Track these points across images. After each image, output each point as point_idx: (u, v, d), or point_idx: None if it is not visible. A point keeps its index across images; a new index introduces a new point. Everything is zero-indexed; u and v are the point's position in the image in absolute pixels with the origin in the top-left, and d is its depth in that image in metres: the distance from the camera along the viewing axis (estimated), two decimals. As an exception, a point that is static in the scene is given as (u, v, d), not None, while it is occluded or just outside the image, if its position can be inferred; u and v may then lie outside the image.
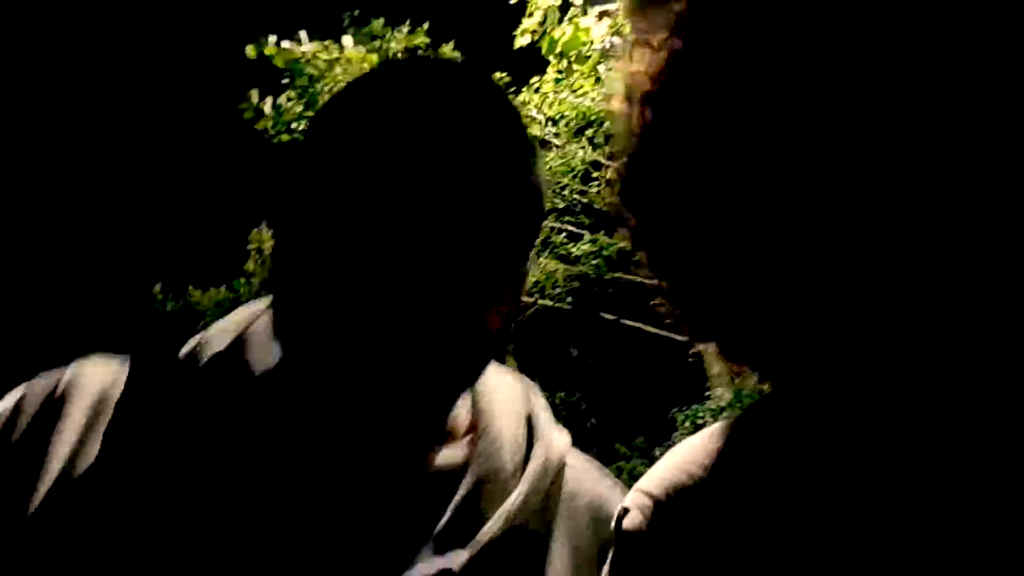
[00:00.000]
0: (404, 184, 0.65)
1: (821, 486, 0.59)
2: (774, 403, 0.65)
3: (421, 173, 0.65)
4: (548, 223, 5.73)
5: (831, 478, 0.59)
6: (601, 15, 3.42)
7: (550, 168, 5.08)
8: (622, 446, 6.19)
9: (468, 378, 0.73)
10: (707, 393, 5.62)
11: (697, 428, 4.96)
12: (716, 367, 5.77)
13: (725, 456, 0.66)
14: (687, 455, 0.68)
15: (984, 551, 0.53)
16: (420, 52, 4.88)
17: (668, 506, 0.65)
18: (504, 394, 0.78)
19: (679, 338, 5.81)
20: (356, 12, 5.30)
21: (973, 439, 0.55)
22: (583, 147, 4.78)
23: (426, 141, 0.66)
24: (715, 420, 4.73)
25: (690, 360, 5.79)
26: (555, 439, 0.77)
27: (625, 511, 0.67)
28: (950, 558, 0.54)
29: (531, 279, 5.74)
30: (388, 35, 4.88)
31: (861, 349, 0.55)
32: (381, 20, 4.96)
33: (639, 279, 4.76)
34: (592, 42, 3.64)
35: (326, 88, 4.38)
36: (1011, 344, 0.53)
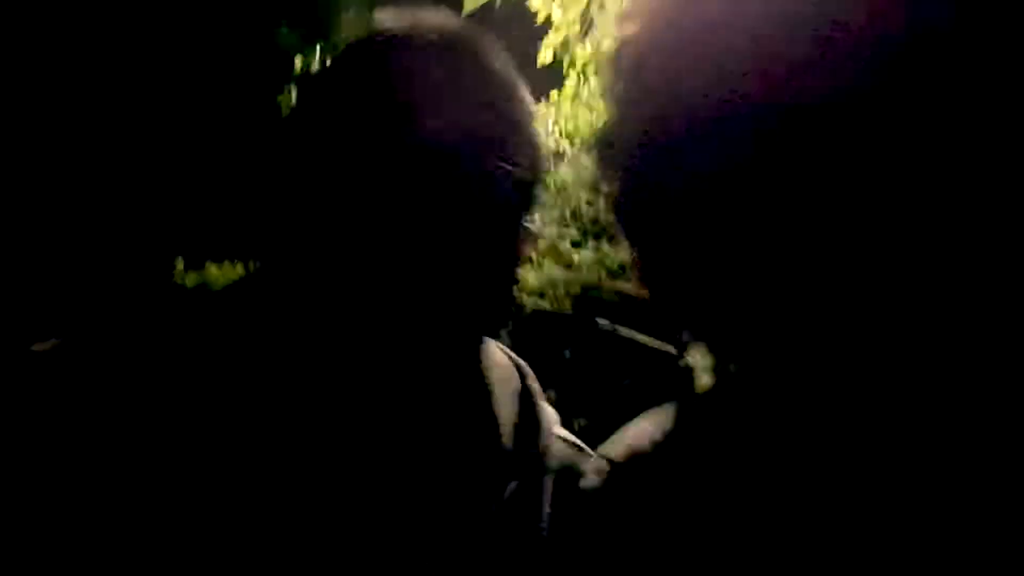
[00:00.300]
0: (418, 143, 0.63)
1: (775, 456, 0.60)
2: (741, 381, 0.66)
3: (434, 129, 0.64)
4: (554, 230, 5.94)
5: (785, 451, 0.60)
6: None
7: (560, 178, 5.30)
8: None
9: (491, 323, 0.73)
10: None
11: None
12: (705, 377, 5.93)
13: (685, 425, 0.67)
14: (650, 423, 0.70)
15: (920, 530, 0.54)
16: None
17: (625, 468, 0.67)
18: (501, 371, 0.77)
19: (670, 349, 6.00)
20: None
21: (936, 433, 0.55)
22: (592, 159, 4.98)
23: (432, 100, 0.65)
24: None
25: (680, 369, 6.01)
26: (546, 409, 0.76)
27: (584, 475, 0.69)
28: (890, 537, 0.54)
29: (533, 283, 5.94)
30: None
31: (841, 346, 0.54)
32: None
33: (635, 291, 4.96)
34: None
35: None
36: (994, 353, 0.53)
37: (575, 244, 5.83)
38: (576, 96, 4.36)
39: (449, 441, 0.68)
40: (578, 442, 0.78)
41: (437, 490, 0.67)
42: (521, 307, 7.25)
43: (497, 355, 0.77)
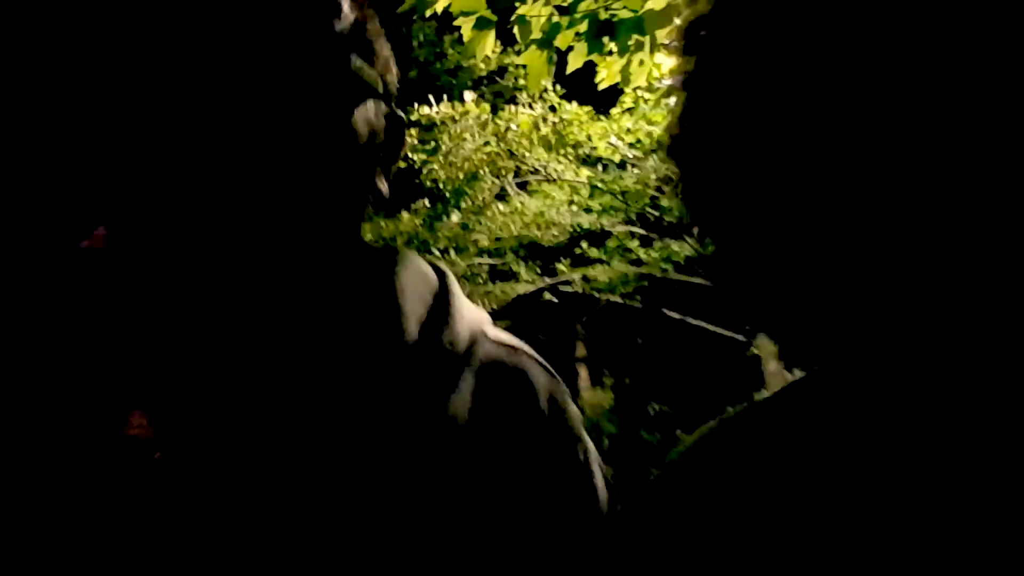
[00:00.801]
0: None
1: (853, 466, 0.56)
2: (815, 384, 0.63)
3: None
4: (624, 229, 6.21)
5: (860, 460, 0.56)
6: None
7: (627, 185, 5.59)
8: (683, 434, 6.62)
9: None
10: (763, 390, 6.04)
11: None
12: (772, 364, 6.21)
13: (750, 434, 0.64)
14: (717, 432, 0.67)
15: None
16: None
17: (682, 478, 0.65)
18: (413, 275, 0.76)
19: (739, 337, 6.25)
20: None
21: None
22: (655, 166, 5.29)
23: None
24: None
25: (748, 357, 6.24)
26: (470, 308, 0.75)
27: (517, 370, 0.70)
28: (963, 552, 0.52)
29: (604, 279, 6.22)
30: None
31: (911, 348, 0.53)
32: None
33: (702, 282, 5.19)
34: (662, 76, 4.13)
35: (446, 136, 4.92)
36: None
37: (643, 242, 6.12)
38: (635, 109, 4.64)
39: (345, 331, 0.68)
40: (513, 342, 0.75)
41: (332, 376, 0.66)
42: (595, 300, 7.55)
43: (415, 263, 0.76)
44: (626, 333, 7.52)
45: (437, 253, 5.73)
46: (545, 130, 5.15)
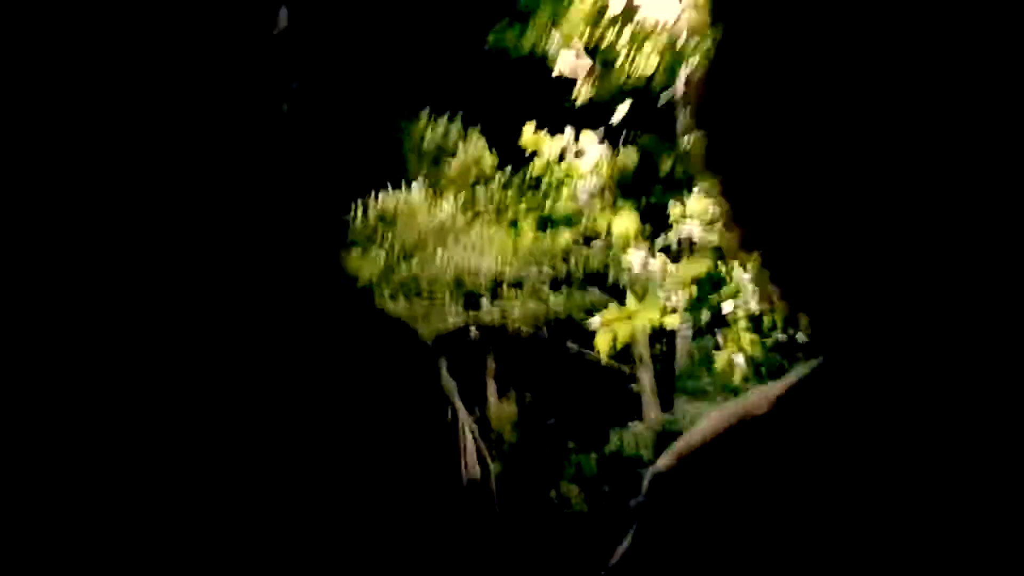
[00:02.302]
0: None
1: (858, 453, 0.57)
2: (823, 374, 0.62)
3: None
4: (538, 279, 7.38)
5: (867, 449, 0.57)
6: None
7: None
8: (572, 442, 7.81)
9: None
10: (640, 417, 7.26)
11: (624, 444, 6.54)
12: (647, 396, 7.40)
13: (738, 428, 0.64)
14: (702, 428, 0.67)
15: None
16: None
17: (672, 476, 0.65)
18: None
19: (625, 369, 7.42)
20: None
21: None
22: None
23: None
24: (641, 438, 6.29)
25: (629, 388, 7.44)
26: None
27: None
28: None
29: (517, 315, 7.38)
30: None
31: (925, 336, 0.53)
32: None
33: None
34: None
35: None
36: None
37: (554, 287, 7.31)
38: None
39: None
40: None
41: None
42: (509, 332, 8.71)
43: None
44: (532, 360, 8.58)
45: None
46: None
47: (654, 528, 0.65)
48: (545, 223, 4.38)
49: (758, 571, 0.59)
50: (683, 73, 4.53)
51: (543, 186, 4.93)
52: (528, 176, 5.14)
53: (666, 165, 3.79)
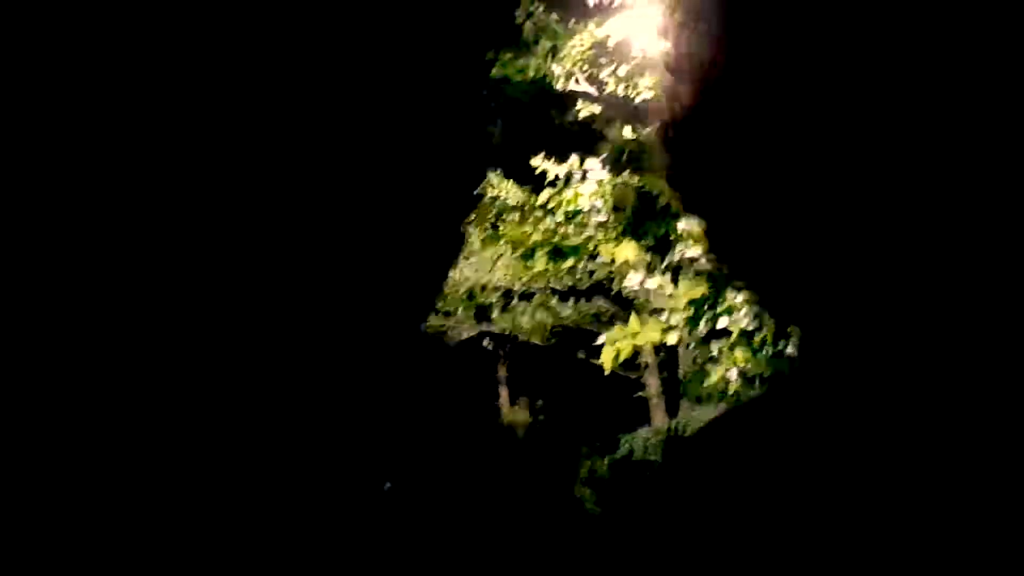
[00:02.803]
0: None
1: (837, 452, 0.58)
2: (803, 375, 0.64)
3: None
4: (543, 286, 7.71)
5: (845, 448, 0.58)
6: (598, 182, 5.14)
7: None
8: (585, 447, 8.12)
9: None
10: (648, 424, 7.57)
11: (634, 449, 6.82)
12: (655, 400, 7.74)
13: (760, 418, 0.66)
14: (729, 417, 0.70)
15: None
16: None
17: (691, 446, 0.69)
18: None
19: (631, 376, 7.75)
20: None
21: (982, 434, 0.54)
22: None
23: None
24: (649, 443, 6.57)
25: (636, 396, 7.76)
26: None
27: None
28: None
29: (527, 325, 7.72)
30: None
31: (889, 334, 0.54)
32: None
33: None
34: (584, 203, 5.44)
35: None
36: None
37: (563, 298, 7.65)
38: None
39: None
40: None
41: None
42: (519, 340, 9.05)
43: None
44: (543, 368, 8.86)
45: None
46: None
47: (668, 486, 0.68)
48: (556, 254, 4.72)
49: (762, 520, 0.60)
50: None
51: (554, 215, 5.20)
52: (536, 203, 5.44)
53: (663, 200, 4.14)
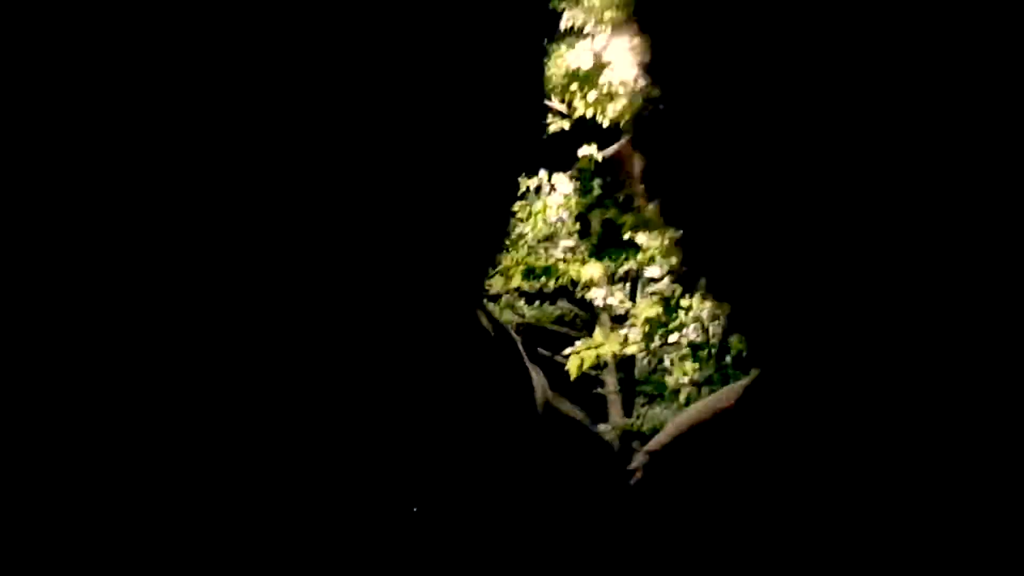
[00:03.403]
0: None
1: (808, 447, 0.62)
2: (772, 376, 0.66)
3: None
4: (513, 294, 8.07)
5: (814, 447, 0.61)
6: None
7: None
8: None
9: None
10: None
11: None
12: (613, 396, 8.10)
13: (726, 414, 0.69)
14: (693, 412, 0.73)
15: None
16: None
17: (664, 455, 0.70)
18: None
19: (592, 373, 8.13)
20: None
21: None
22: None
23: None
24: (607, 438, 6.95)
25: (595, 392, 8.11)
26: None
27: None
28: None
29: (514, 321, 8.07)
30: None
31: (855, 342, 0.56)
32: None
33: (571, 332, 7.12)
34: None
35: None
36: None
37: (529, 300, 8.04)
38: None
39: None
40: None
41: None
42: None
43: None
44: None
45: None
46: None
47: (648, 493, 0.69)
48: (529, 273, 5.27)
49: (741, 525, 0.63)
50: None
51: (526, 233, 5.72)
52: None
53: (624, 230, 4.66)
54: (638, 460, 0.74)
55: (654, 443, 0.74)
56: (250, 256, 0.57)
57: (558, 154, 6.35)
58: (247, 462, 0.58)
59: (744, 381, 0.72)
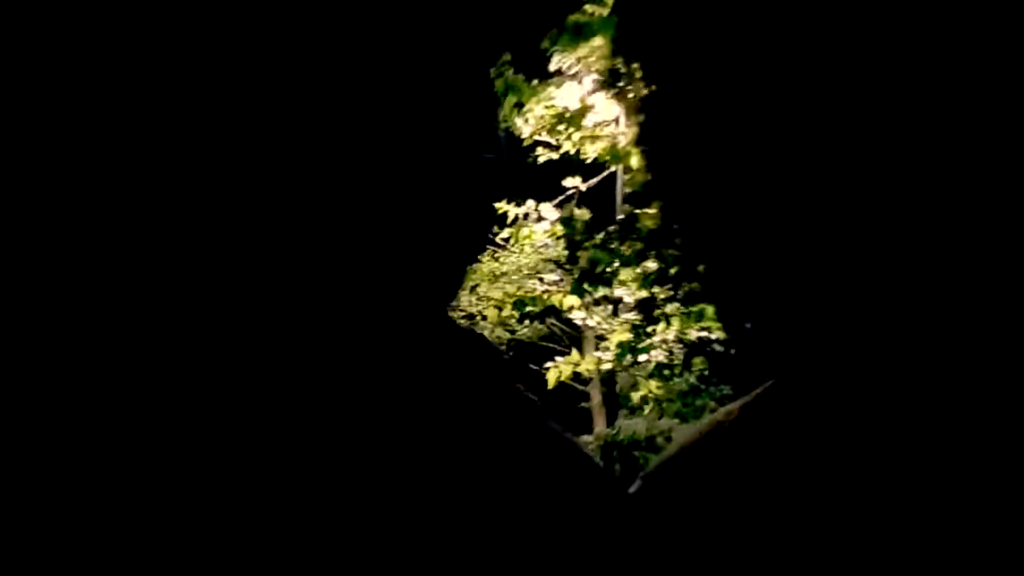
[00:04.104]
0: None
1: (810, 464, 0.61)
2: (776, 393, 0.65)
3: None
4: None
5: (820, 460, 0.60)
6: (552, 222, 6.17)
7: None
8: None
9: None
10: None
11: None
12: (597, 409, 8.51)
13: (718, 434, 0.68)
14: (688, 433, 0.73)
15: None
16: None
17: (658, 477, 0.69)
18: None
19: (579, 387, 8.59)
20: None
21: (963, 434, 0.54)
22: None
23: None
24: (590, 447, 7.36)
25: (581, 406, 8.54)
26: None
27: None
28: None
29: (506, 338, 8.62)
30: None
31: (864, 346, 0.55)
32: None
33: (557, 347, 7.60)
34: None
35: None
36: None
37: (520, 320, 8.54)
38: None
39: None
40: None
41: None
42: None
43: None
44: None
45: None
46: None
47: (648, 509, 0.69)
48: (519, 304, 5.98)
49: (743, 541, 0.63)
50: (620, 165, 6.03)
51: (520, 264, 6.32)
52: (498, 238, 6.58)
53: (600, 268, 5.32)
54: (635, 486, 0.75)
55: (651, 468, 0.77)
56: (245, 259, 0.58)
57: (545, 185, 6.91)
58: (240, 461, 0.59)
59: (733, 405, 0.74)
